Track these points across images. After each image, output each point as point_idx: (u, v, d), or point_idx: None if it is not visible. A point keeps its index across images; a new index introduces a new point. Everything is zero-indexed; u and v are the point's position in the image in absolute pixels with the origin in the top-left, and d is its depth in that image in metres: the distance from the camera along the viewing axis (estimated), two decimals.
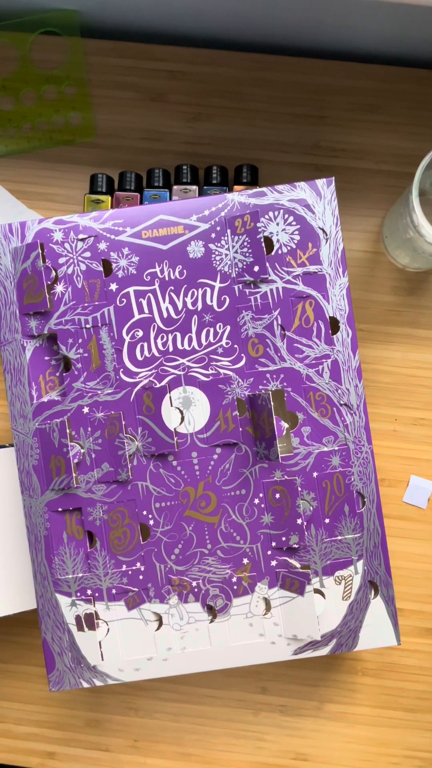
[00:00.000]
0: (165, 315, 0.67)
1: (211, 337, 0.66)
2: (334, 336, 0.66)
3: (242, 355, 0.66)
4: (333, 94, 0.87)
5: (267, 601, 0.66)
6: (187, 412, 0.66)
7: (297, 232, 0.67)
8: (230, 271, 0.67)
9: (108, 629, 0.66)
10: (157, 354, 0.67)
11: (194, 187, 0.80)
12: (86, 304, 0.66)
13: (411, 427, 0.84)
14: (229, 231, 0.67)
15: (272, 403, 0.60)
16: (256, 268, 0.66)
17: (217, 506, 0.66)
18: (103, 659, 0.65)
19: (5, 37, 0.87)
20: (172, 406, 0.65)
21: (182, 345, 0.66)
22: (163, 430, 0.65)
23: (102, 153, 0.87)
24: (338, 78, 0.87)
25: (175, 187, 0.81)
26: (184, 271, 0.67)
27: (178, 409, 0.66)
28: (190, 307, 0.67)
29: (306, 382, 0.66)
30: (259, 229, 0.65)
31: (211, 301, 0.66)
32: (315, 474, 0.66)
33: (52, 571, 0.65)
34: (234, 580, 0.66)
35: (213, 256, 0.67)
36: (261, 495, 0.66)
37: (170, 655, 0.66)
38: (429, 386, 0.85)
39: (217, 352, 0.66)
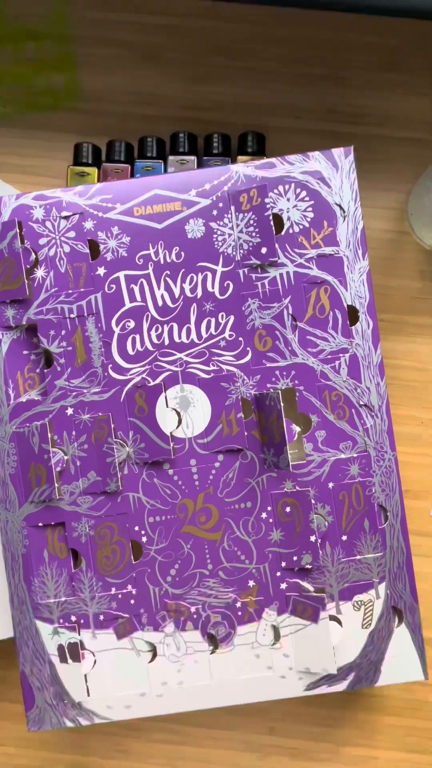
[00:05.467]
0: (160, 303, 0.66)
1: (212, 329, 0.66)
2: (353, 327, 0.66)
3: (248, 349, 0.66)
4: (352, 51, 0.86)
5: (276, 630, 0.65)
6: (185, 413, 0.66)
7: (310, 209, 0.66)
8: (234, 253, 0.66)
9: (95, 661, 0.65)
10: (150, 348, 0.66)
11: (192, 158, 0.79)
12: (70, 291, 0.66)
13: None
14: (233, 208, 0.66)
15: (282, 404, 0.60)
16: (264, 250, 0.65)
17: (219, 521, 0.66)
18: (89, 695, 0.65)
19: None
20: (167, 407, 0.65)
21: (180, 337, 0.66)
22: (157, 434, 0.65)
23: (88, 119, 0.87)
24: (358, 33, 0.86)
25: (170, 157, 0.80)
26: (182, 253, 0.66)
27: (175, 410, 0.66)
28: (188, 294, 0.66)
29: (320, 379, 0.66)
30: (268, 206, 0.65)
31: (213, 288, 0.66)
32: (331, 484, 0.65)
33: (31, 594, 0.65)
34: (238, 605, 0.66)
35: (214, 236, 0.66)
36: (269, 508, 0.66)
37: (165, 691, 0.65)
38: None
39: (219, 346, 0.66)
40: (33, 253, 0.65)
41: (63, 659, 0.64)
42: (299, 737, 0.83)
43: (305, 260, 0.66)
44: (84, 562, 0.65)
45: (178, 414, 0.66)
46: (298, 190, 0.66)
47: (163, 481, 0.66)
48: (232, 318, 0.66)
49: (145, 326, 0.66)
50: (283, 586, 0.66)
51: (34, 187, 0.86)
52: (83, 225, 0.66)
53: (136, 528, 0.66)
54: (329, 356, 0.66)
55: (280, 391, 0.60)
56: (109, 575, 0.66)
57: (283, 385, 0.66)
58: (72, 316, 0.65)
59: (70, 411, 0.66)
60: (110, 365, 0.66)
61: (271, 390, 0.64)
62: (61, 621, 0.64)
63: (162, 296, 0.66)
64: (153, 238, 0.66)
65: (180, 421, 0.66)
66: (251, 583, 0.66)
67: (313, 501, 0.65)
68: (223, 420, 0.65)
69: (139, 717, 0.65)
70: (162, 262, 0.67)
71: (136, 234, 0.66)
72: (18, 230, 0.64)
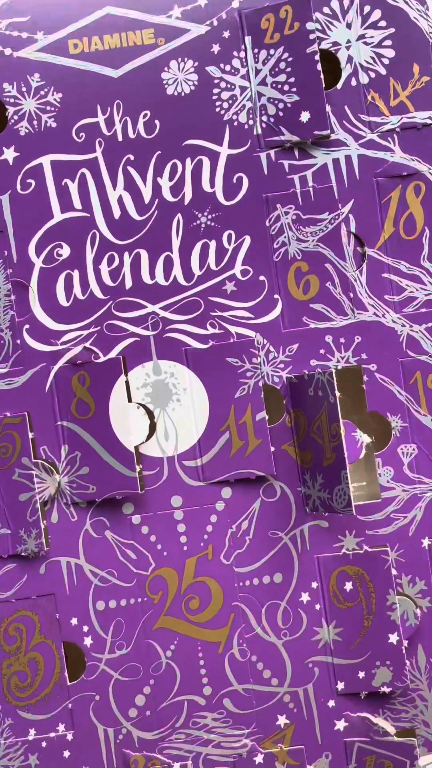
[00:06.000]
0: (116, 214, 0.51)
1: (211, 261, 0.52)
2: None
3: (276, 297, 0.52)
4: None
5: None
6: (163, 414, 0.52)
7: (389, 43, 0.52)
8: (251, 122, 0.51)
9: None
10: (99, 294, 0.52)
11: None
12: None
13: None
14: (248, 40, 0.50)
15: (338, 396, 0.48)
16: (305, 117, 0.49)
17: (223, 608, 0.51)
18: None
19: None
20: (130, 401, 0.50)
21: (152, 276, 0.53)
22: (112, 450, 0.52)
23: None
24: None
25: None
26: (156, 122, 0.51)
27: (144, 407, 0.52)
28: (168, 197, 0.51)
29: (407, 351, 0.53)
30: (312, 36, 0.50)
31: (212, 186, 0.51)
32: (428, 542, 0.51)
33: None
34: (259, 759, 0.49)
35: (215, 92, 0.52)
36: (315, 585, 0.51)
37: None
38: None
39: (223, 292, 0.53)
40: None
41: None
42: None
43: (380, 135, 0.52)
44: None
45: (150, 414, 0.52)
46: (367, 9, 0.51)
47: (123, 536, 0.52)
48: (246, 241, 0.53)
49: (90, 255, 0.52)
50: (341, 725, 0.51)
51: None
52: None
53: (74, 621, 0.51)
54: (424, 310, 0.53)
55: (333, 373, 0.49)
56: (23, 706, 0.50)
57: (340, 362, 0.50)
58: None
59: None
60: (26, 327, 0.52)
61: (318, 371, 0.50)
62: None
63: (120, 201, 0.52)
64: (104, 96, 0.51)
65: (153, 428, 0.52)
66: (282, 719, 0.50)
67: (394, 571, 0.52)
68: (231, 425, 0.52)
69: None
70: (120, 138, 0.50)
71: (75, 88, 0.52)
72: None
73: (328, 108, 0.50)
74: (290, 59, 0.48)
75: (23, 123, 0.48)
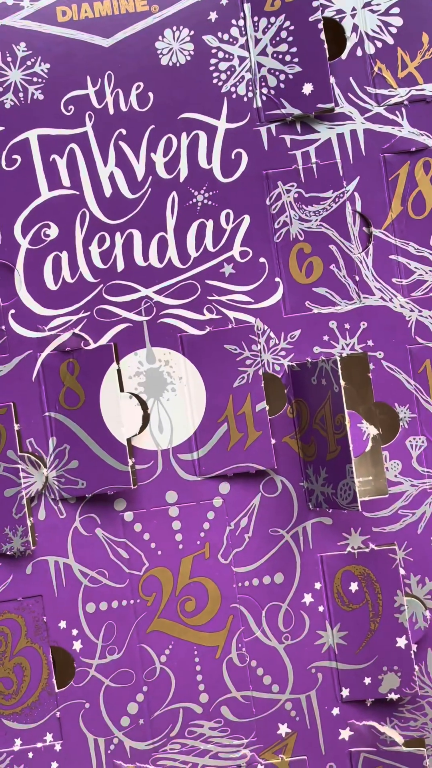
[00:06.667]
0: (108, 192, 0.50)
1: (208, 242, 0.51)
2: None
3: (277, 280, 0.52)
4: None
5: None
6: (157, 404, 0.51)
7: (396, 10, 0.50)
8: (250, 94, 0.50)
9: None
10: (90, 278, 0.51)
11: None
12: None
13: None
14: (247, 7, 0.49)
15: (342, 385, 0.47)
16: (309, 89, 0.48)
17: (221, 610, 0.50)
18: None
19: None
20: (122, 391, 0.49)
21: (145, 258, 0.52)
22: (103, 443, 0.50)
23: None
24: None
25: None
26: (150, 94, 0.49)
27: (137, 397, 0.51)
28: (163, 174, 0.50)
29: (416, 337, 0.52)
30: (315, 2, 0.50)
31: (209, 162, 0.50)
32: None
33: None
34: None
35: (212, 61, 0.50)
36: (318, 585, 0.50)
37: None
38: None
39: (221, 275, 0.52)
40: None
41: None
42: None
43: (387, 109, 0.51)
44: None
45: (143, 405, 0.52)
46: None
47: (115, 534, 0.52)
48: (246, 220, 0.51)
49: (79, 236, 0.50)
50: (346, 734, 0.49)
51: None
52: None
53: (62, 625, 0.50)
54: None
55: (338, 361, 0.48)
56: (9, 715, 0.49)
57: (345, 349, 0.51)
58: None
59: None
60: (12, 312, 0.51)
61: (322, 359, 0.50)
62: None
63: (111, 178, 0.50)
64: (94, 67, 0.50)
65: (147, 419, 0.51)
66: (284, 728, 0.49)
67: (402, 571, 0.51)
68: (230, 416, 0.51)
69: None
70: (111, 111, 0.49)
71: (63, 58, 0.50)
72: None
73: (332, 80, 0.49)
74: (292, 28, 0.47)
75: (8, 95, 0.47)
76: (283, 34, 0.46)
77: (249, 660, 0.49)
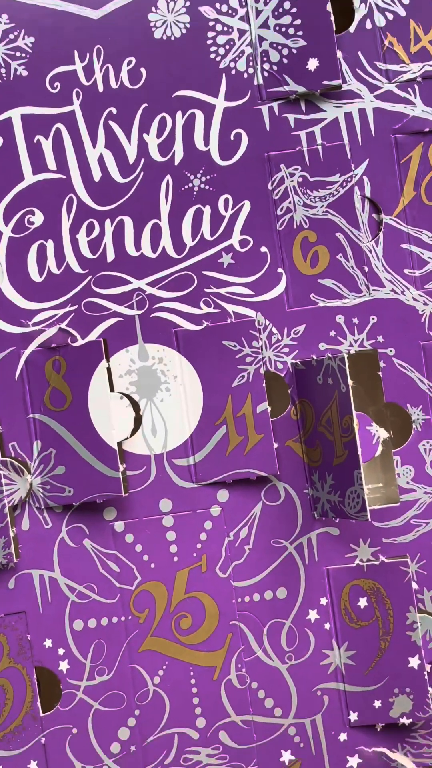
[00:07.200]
0: (97, 176, 0.49)
1: (205, 230, 0.49)
2: None
3: (280, 271, 0.50)
4: None
5: None
6: (151, 405, 0.50)
7: None
8: (251, 70, 0.49)
9: None
10: (77, 268, 0.49)
11: None
12: None
13: None
14: None
15: (350, 384, 0.47)
16: (314, 65, 0.47)
17: (218, 627, 0.49)
18: None
19: None
20: (112, 391, 0.49)
21: (137, 247, 0.50)
22: (92, 448, 0.49)
23: None
24: None
25: None
26: (142, 70, 0.48)
27: (128, 398, 0.51)
28: (156, 156, 0.49)
29: (430, 333, 0.51)
30: None
31: (206, 144, 0.49)
32: None
33: None
34: None
35: (209, 34, 0.48)
36: (324, 601, 0.49)
37: None
38: None
39: (219, 265, 0.50)
40: None
41: None
42: None
43: (399, 86, 0.50)
44: None
45: (135, 406, 0.51)
46: None
47: (105, 546, 0.50)
48: (246, 206, 0.50)
49: (66, 224, 0.49)
50: (354, 761, 0.48)
51: None
52: None
53: (48, 643, 0.48)
54: None
55: (346, 358, 0.47)
56: None
57: (354, 345, 0.52)
58: None
59: None
60: None
61: (328, 356, 0.49)
62: None
63: (101, 161, 0.49)
64: (83, 40, 0.49)
65: (139, 421, 0.51)
66: (287, 755, 0.48)
67: (415, 585, 0.50)
68: (229, 418, 0.50)
69: None
70: (101, 88, 0.47)
71: (49, 31, 0.48)
72: None
73: (339, 54, 0.48)
74: None
75: None
76: (287, 5, 0.45)
77: (249, 681, 0.47)
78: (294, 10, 0.45)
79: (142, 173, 0.47)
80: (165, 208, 0.47)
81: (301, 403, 0.50)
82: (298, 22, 0.45)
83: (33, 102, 0.46)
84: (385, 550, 0.49)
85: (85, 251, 0.47)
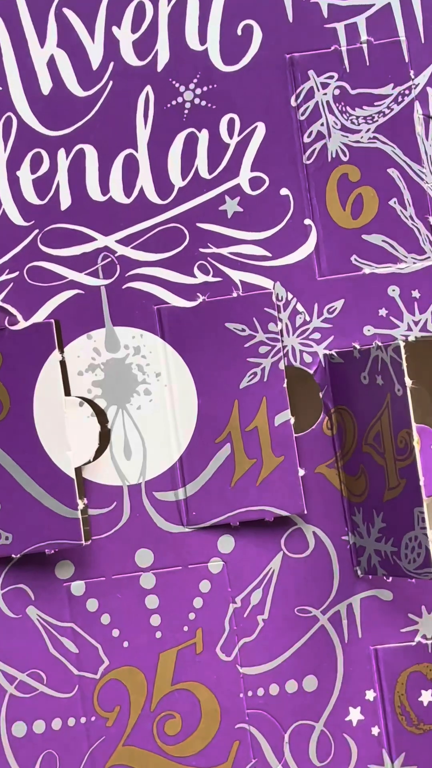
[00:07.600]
0: (47, 85, 0.40)
1: (201, 162, 0.41)
2: None
3: (308, 222, 0.42)
4: None
5: None
6: (123, 414, 0.42)
7: None
8: None
9: None
10: (19, 218, 0.41)
11: None
12: None
13: None
14: None
15: (410, 386, 0.40)
16: None
17: (220, 731, 0.41)
18: None
19: None
20: (68, 394, 0.42)
21: (103, 187, 0.41)
22: (38, 476, 0.40)
23: None
24: None
25: None
26: None
27: (90, 404, 0.43)
28: (130, 59, 0.41)
29: None
30: None
31: (202, 41, 0.42)
32: None
33: None
34: None
35: None
36: (371, 695, 0.41)
37: None
38: None
39: (220, 212, 0.42)
40: None
41: None
42: None
43: None
44: None
45: (101, 416, 0.43)
46: None
47: (58, 615, 0.42)
48: (259, 130, 0.41)
49: (2, 155, 0.41)
50: None
51: None
52: None
53: None
54: None
55: (402, 348, 0.40)
56: None
57: (413, 329, 0.44)
58: None
59: None
60: None
61: (377, 344, 0.42)
62: None
63: (52, 65, 0.40)
64: None
65: (106, 439, 0.42)
66: None
67: None
68: (234, 433, 0.42)
69: None
70: None
71: None
72: None
73: None
74: None
75: None
76: None
77: None
78: None
79: (110, 83, 0.41)
80: (143, 133, 0.41)
81: (338, 412, 0.43)
82: None
83: None
84: None
85: (29, 194, 0.40)
